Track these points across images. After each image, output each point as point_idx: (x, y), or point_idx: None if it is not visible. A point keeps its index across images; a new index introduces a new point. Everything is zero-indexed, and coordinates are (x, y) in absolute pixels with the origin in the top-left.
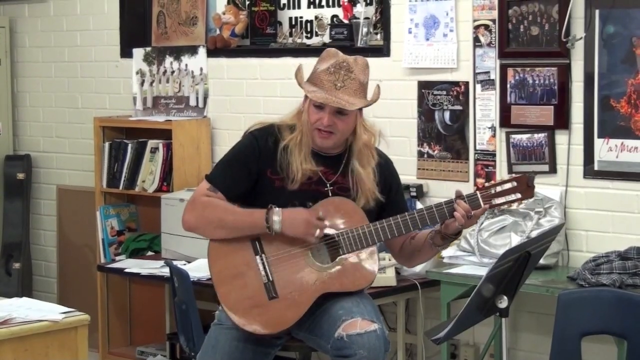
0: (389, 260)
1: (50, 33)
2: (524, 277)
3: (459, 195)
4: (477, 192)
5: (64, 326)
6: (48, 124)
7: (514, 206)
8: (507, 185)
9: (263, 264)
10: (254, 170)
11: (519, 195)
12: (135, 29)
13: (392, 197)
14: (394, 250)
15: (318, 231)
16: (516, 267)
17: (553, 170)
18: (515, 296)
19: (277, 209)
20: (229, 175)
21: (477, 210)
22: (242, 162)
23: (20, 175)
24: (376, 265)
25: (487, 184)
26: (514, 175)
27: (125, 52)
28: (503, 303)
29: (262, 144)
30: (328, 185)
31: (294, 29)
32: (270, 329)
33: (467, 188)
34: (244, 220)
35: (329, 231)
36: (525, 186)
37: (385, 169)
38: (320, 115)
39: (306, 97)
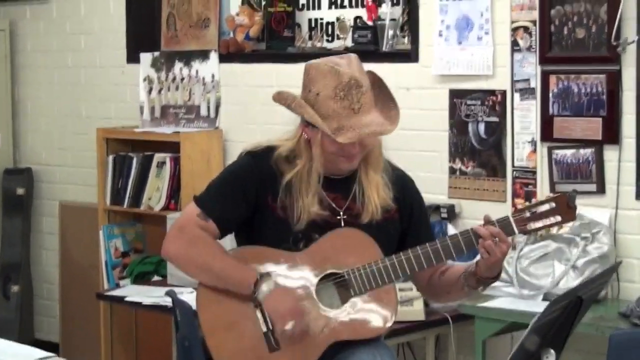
0: (417, 291)
1: (53, 36)
2: (573, 326)
3: (488, 221)
4: (510, 216)
5: None
6: (50, 134)
7: (554, 231)
8: (545, 207)
9: (262, 310)
10: (251, 196)
11: (558, 218)
12: (142, 32)
13: (414, 222)
14: (419, 284)
15: (291, 324)
16: (565, 315)
17: (601, 190)
18: (564, 349)
19: (271, 279)
20: (222, 201)
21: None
22: (238, 186)
23: (20, 191)
24: (394, 307)
25: (520, 206)
26: (551, 195)
27: (132, 57)
28: (550, 358)
29: (261, 166)
30: (341, 214)
31: (313, 32)
32: None
33: (504, 209)
34: (231, 276)
35: (337, 269)
36: (565, 207)
37: (405, 187)
38: (342, 143)
39: (309, 123)
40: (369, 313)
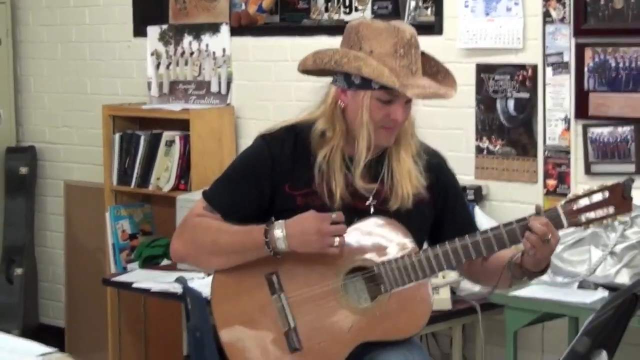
0: (443, 278)
1: (56, 9)
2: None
3: (538, 212)
4: (558, 207)
5: None
6: (54, 111)
7: (606, 223)
8: (597, 197)
9: (282, 306)
10: (265, 185)
11: (612, 210)
12: (149, 4)
13: (449, 206)
14: (460, 269)
15: (337, 239)
16: (619, 314)
17: None
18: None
19: (279, 222)
20: (230, 192)
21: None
22: (249, 173)
23: (23, 170)
24: (429, 305)
25: (571, 196)
26: (604, 184)
27: (139, 31)
28: None
29: (275, 151)
30: (370, 198)
31: (330, 3)
32: None
33: (536, 191)
34: (241, 241)
35: (367, 263)
36: (620, 197)
37: (438, 170)
38: (389, 110)
39: (345, 90)
40: (401, 311)
